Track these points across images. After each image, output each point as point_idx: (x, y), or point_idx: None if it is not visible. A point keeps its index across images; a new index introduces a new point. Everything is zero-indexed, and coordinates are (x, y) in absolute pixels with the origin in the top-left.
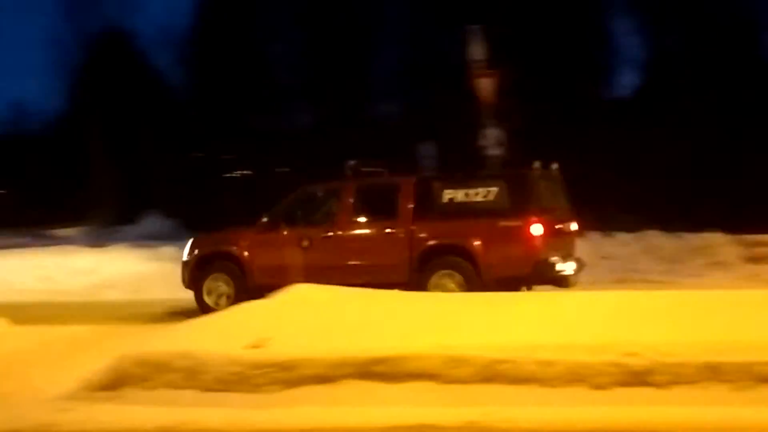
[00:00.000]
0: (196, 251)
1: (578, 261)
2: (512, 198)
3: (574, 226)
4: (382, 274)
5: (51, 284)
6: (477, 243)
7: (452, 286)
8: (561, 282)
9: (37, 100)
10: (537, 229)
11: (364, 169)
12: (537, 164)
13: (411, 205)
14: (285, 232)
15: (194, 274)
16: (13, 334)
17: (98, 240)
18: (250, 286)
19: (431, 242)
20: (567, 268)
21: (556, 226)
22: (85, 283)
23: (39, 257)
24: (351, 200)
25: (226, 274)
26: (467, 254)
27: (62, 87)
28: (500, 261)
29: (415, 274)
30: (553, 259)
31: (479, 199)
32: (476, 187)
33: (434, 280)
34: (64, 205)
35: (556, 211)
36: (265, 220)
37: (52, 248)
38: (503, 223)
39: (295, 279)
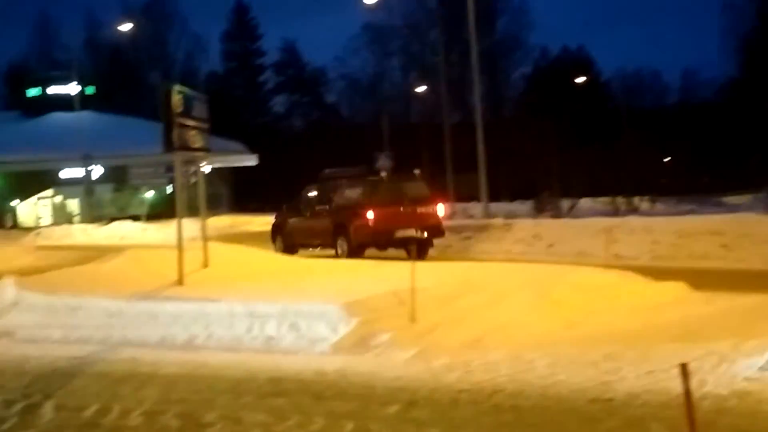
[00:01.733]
0: (273, 222)
1: (430, 230)
2: (366, 194)
3: (431, 209)
4: (322, 237)
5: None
6: (349, 222)
7: (344, 246)
8: (402, 244)
9: (708, 67)
10: (371, 214)
11: (326, 174)
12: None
13: (331, 196)
14: (291, 214)
15: (272, 235)
16: (694, 300)
17: None
18: (286, 244)
19: (336, 221)
20: (408, 235)
21: (401, 210)
22: None
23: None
24: (315, 195)
25: (279, 236)
26: (346, 229)
27: (734, 52)
28: (357, 233)
29: (332, 239)
30: (397, 231)
31: (355, 195)
32: (354, 187)
33: (338, 241)
34: (734, 172)
35: (404, 201)
36: (284, 207)
37: (724, 216)
38: (359, 211)
39: (296, 240)
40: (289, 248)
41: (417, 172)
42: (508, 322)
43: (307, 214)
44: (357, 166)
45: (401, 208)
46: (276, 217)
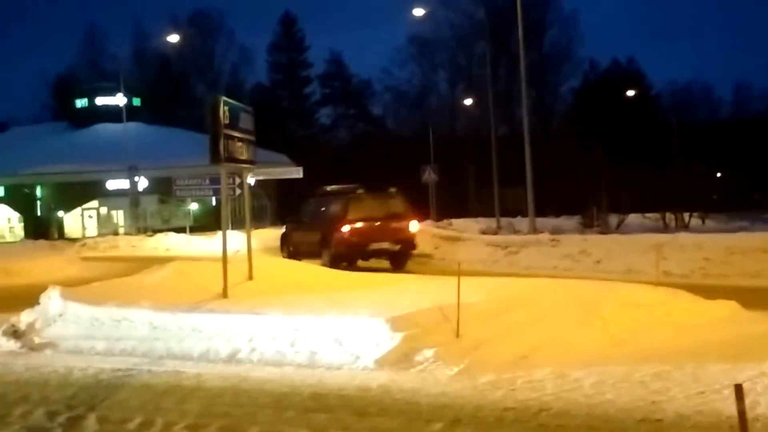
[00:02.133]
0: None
1: (403, 243)
2: (344, 209)
3: (404, 224)
4: (316, 245)
5: None
6: (330, 235)
7: (327, 257)
8: (376, 256)
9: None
10: (346, 228)
11: (321, 191)
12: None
13: (319, 210)
14: (294, 225)
15: (281, 244)
16: (746, 319)
17: None
18: (290, 252)
19: (321, 233)
20: (382, 249)
21: (376, 224)
22: None
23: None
24: (310, 208)
25: (286, 245)
26: (328, 241)
27: None
28: (336, 245)
29: (319, 249)
30: (371, 244)
31: (336, 209)
32: (336, 202)
33: (323, 252)
34: None
35: (379, 217)
36: (288, 218)
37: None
38: (337, 224)
39: (298, 250)
40: (293, 256)
41: (393, 190)
42: (554, 339)
43: (304, 226)
44: (352, 183)
45: (376, 223)
46: (285, 228)
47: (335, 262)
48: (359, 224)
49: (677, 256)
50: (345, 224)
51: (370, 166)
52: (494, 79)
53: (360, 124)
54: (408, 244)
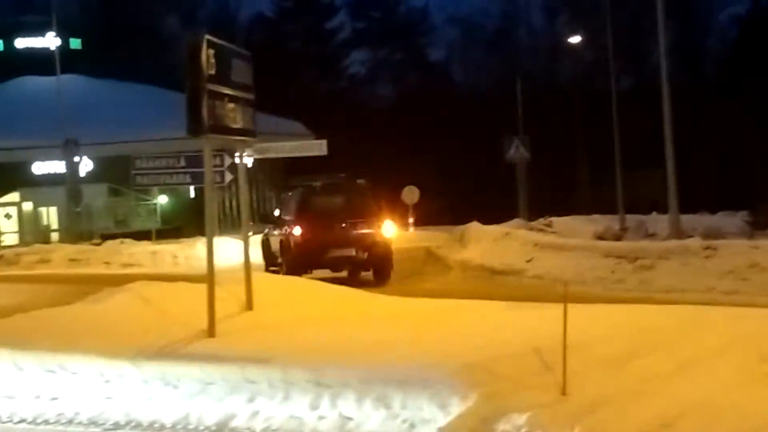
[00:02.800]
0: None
1: (372, 250)
2: (297, 209)
3: (374, 225)
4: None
5: None
6: (285, 240)
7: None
8: (337, 265)
9: None
10: (297, 231)
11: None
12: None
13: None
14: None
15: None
16: None
17: None
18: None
19: (280, 237)
20: (345, 257)
21: (337, 226)
22: None
23: None
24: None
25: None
26: (283, 246)
27: None
28: (288, 252)
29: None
30: (328, 250)
31: (291, 209)
32: (292, 200)
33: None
34: None
35: (341, 216)
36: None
37: None
38: (291, 227)
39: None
40: (272, 266)
41: (362, 181)
42: (711, 400)
43: (275, 229)
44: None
45: (338, 225)
46: (265, 232)
47: (292, 272)
48: (314, 226)
49: None
50: (296, 226)
51: (427, 138)
52: (615, 3)
53: (411, 75)
54: (378, 250)
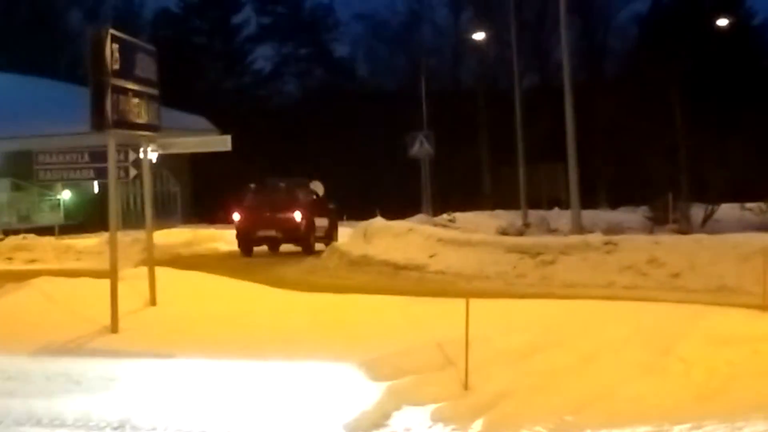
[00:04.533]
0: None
1: (287, 231)
2: (241, 200)
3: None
4: None
5: None
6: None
7: None
8: (266, 243)
9: None
10: (236, 216)
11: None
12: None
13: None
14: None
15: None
16: None
17: None
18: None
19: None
20: (268, 235)
21: (267, 215)
22: None
23: None
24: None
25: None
26: (235, 226)
27: None
28: (236, 228)
29: None
30: (259, 231)
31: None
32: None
33: None
34: None
35: (275, 203)
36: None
37: None
38: (235, 211)
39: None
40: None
41: (282, 185)
42: (610, 392)
43: None
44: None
45: (265, 213)
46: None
47: (240, 249)
48: (248, 214)
49: None
50: (237, 214)
51: (332, 134)
52: (518, 1)
53: (317, 70)
54: (292, 232)
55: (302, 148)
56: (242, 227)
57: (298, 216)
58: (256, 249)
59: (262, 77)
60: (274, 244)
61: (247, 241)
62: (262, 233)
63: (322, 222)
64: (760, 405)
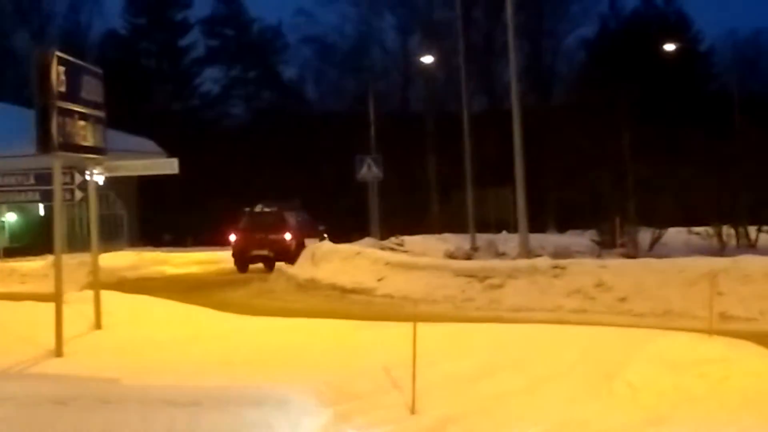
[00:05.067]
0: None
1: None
2: (239, 223)
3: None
4: None
5: None
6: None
7: None
8: (260, 261)
9: None
10: (233, 237)
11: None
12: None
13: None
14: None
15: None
16: None
17: None
18: None
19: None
20: (261, 254)
21: (257, 236)
22: None
23: None
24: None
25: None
26: (232, 246)
27: None
28: (233, 248)
29: None
30: (253, 251)
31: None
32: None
33: None
34: None
35: (267, 225)
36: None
37: None
38: (232, 233)
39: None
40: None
41: (274, 210)
42: (559, 416)
43: None
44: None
45: (258, 235)
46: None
47: (236, 267)
48: (244, 236)
49: (740, 291)
50: (233, 236)
51: (280, 157)
52: (467, 25)
53: (265, 93)
54: (282, 251)
55: (250, 171)
56: (238, 247)
57: (288, 236)
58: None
59: (210, 99)
60: (267, 262)
61: (242, 259)
62: (255, 252)
63: (311, 242)
64: (707, 429)
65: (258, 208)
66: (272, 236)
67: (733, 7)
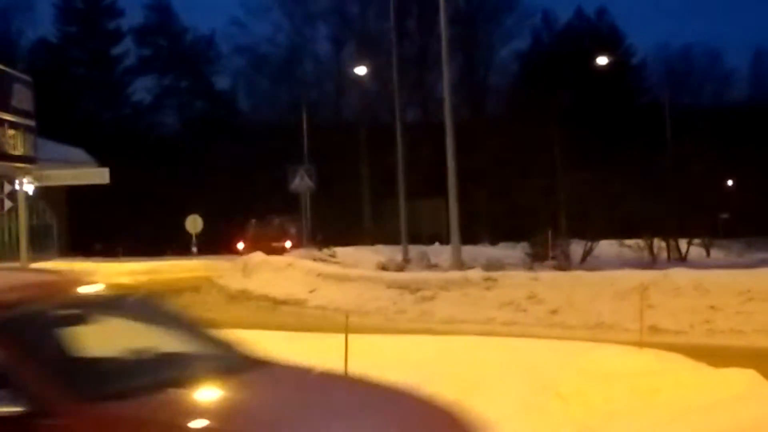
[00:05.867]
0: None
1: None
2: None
3: (287, 242)
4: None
5: None
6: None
7: None
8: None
9: None
10: (240, 245)
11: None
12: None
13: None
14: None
15: None
16: None
17: None
18: None
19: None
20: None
21: (261, 244)
22: None
23: None
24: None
25: None
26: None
27: None
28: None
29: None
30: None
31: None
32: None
33: None
34: None
35: (270, 234)
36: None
37: None
38: (240, 241)
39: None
40: None
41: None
42: (489, 429)
43: None
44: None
45: (263, 242)
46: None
47: None
48: (250, 242)
49: (670, 304)
50: (240, 241)
51: (212, 167)
52: (400, 36)
53: (197, 103)
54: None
55: (183, 181)
56: (245, 254)
57: (288, 244)
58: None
59: (142, 109)
60: None
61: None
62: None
63: (306, 250)
64: None
65: (254, 220)
66: (275, 244)
67: (664, 22)
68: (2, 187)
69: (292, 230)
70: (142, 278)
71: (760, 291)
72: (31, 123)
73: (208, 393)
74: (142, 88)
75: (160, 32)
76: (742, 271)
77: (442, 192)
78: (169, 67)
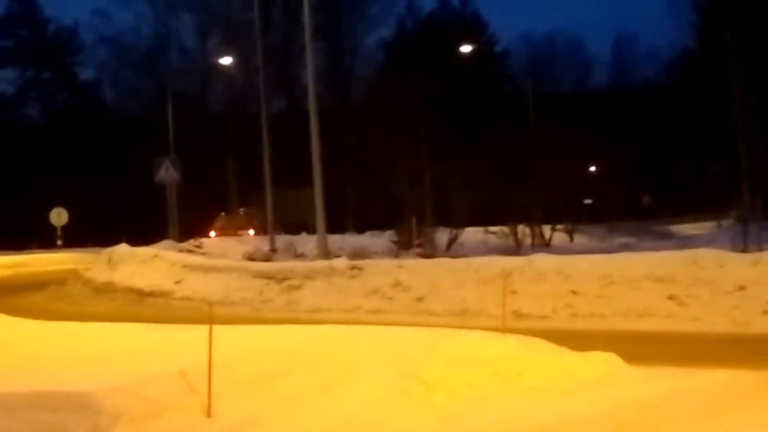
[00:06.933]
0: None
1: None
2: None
3: (251, 231)
4: None
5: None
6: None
7: None
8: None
9: (651, 35)
10: (212, 234)
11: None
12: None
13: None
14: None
15: None
16: (630, 378)
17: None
18: None
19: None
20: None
21: (228, 232)
22: None
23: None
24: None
25: None
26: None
27: (688, 14)
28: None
29: None
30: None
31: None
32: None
33: None
34: (689, 187)
35: (236, 224)
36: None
37: (673, 253)
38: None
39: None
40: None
41: (242, 210)
42: (355, 415)
43: None
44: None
45: (230, 231)
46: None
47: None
48: (218, 231)
49: (532, 289)
50: (212, 231)
51: (77, 159)
52: (265, 26)
53: (60, 94)
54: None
55: (46, 173)
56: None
57: (251, 232)
58: None
59: (5, 101)
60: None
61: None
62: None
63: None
64: (499, 425)
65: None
66: (241, 232)
67: (527, 11)
68: None
69: (256, 221)
70: (6, 272)
71: (620, 275)
72: None
73: None
74: (4, 80)
75: (21, 23)
76: (603, 256)
77: (309, 181)
78: (31, 58)
